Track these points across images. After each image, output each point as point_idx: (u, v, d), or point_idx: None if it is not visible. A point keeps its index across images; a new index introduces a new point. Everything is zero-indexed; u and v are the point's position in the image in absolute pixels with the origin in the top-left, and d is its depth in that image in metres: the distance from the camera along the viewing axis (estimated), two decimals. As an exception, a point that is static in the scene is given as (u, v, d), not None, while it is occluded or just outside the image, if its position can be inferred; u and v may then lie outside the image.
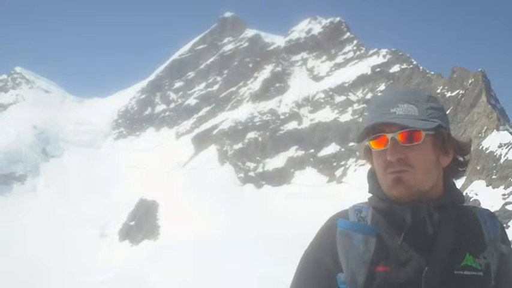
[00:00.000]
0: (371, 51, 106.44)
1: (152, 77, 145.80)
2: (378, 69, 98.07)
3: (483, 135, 55.81)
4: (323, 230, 2.06)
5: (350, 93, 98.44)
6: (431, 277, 1.82)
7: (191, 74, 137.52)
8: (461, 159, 2.01)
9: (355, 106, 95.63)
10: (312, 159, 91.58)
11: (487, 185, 46.52)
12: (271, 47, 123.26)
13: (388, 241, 1.91)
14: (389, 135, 1.88)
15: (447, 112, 2.17)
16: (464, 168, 2.04)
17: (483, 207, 2.16)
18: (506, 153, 48.60)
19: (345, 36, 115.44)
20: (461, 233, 1.92)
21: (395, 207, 1.92)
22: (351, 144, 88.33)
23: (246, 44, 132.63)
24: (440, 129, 1.92)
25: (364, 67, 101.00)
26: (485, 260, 1.89)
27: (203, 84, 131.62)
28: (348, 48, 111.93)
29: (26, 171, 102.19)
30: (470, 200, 37.87)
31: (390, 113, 1.89)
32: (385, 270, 1.87)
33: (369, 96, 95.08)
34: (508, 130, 55.75)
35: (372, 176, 2.07)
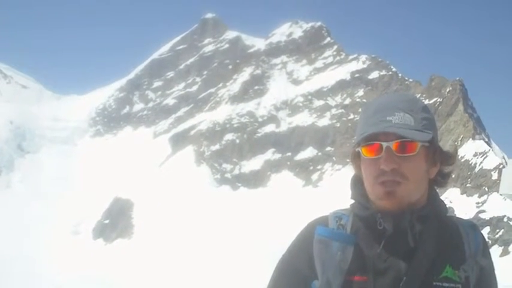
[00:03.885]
0: (351, 57, 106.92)
1: (131, 75, 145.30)
2: (357, 75, 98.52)
3: (459, 144, 56.20)
4: (301, 236, 2.04)
5: (329, 98, 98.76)
6: (410, 287, 1.80)
7: (170, 74, 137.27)
8: (445, 170, 2.00)
9: (333, 111, 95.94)
10: (288, 163, 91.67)
11: (462, 193, 46.92)
12: (252, 50, 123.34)
13: (366, 250, 1.89)
14: (384, 144, 1.83)
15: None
16: (447, 179, 2.02)
17: (460, 217, 2.13)
18: (481, 162, 49.03)
19: (326, 41, 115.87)
20: (442, 245, 1.89)
21: (377, 216, 1.89)
22: (328, 148, 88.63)
23: (227, 45, 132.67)
24: (433, 140, 1.90)
25: (343, 72, 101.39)
26: (465, 273, 1.87)
27: (182, 85, 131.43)
28: (328, 53, 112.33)
29: (0, 166, 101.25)
30: (445, 207, 38.29)
31: (386, 120, 1.84)
32: (362, 280, 1.84)
33: (347, 101, 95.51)
34: (483, 139, 56.30)
35: (356, 182, 2.03)
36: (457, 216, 2.14)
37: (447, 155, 1.98)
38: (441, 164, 1.97)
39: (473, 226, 2.03)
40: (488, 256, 1.99)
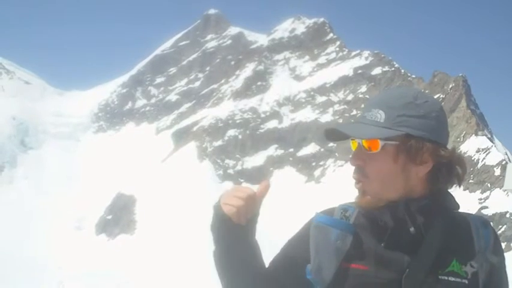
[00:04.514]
0: (353, 53, 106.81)
1: (134, 71, 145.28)
2: (360, 71, 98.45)
3: (462, 140, 56.24)
4: (304, 225, 2.07)
5: (331, 94, 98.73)
6: (413, 279, 1.78)
7: (173, 70, 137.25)
8: (443, 168, 1.90)
9: (336, 107, 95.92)
10: (291, 159, 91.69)
11: (464, 189, 46.92)
12: (254, 45, 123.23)
13: (368, 241, 1.88)
14: (357, 140, 1.87)
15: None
16: (453, 176, 1.93)
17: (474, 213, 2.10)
18: (484, 158, 49.10)
19: (328, 37, 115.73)
20: (449, 239, 1.86)
21: (375, 212, 1.88)
22: (331, 144, 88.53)
23: (229, 41, 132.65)
24: (409, 138, 1.82)
25: (346, 68, 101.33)
26: (472, 269, 1.83)
27: (185, 81, 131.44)
28: (330, 49, 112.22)
29: (3, 162, 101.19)
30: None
31: (363, 116, 1.89)
32: (363, 269, 1.84)
33: (350, 97, 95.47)
34: (486, 135, 56.31)
35: None
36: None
37: (439, 154, 1.87)
38: (435, 162, 1.88)
39: (484, 222, 1.99)
40: (499, 253, 1.95)
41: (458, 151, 1.95)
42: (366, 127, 1.85)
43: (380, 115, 1.84)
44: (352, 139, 1.90)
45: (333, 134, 1.95)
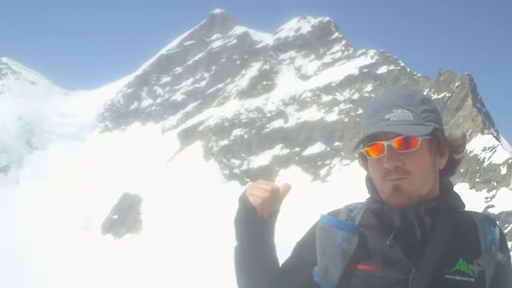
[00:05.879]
0: (359, 52, 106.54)
1: (139, 71, 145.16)
2: (366, 70, 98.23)
3: (468, 139, 56.04)
4: (311, 228, 2.10)
5: (337, 93, 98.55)
6: (419, 279, 1.79)
7: (178, 70, 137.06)
8: (455, 157, 2.01)
9: (342, 106, 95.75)
10: (297, 158, 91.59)
11: (470, 188, 46.94)
12: (260, 45, 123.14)
13: (374, 241, 1.90)
14: (385, 143, 1.84)
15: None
16: (456, 166, 2.04)
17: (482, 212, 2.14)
18: (490, 157, 49.04)
19: (334, 36, 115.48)
20: (456, 238, 1.87)
21: (385, 209, 1.90)
22: (336, 143, 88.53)
23: (235, 41, 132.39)
24: (435, 132, 1.89)
25: (351, 67, 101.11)
26: (479, 267, 1.84)
27: (190, 80, 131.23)
28: (336, 48, 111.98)
29: (9, 162, 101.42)
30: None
31: (384, 119, 1.86)
32: (369, 269, 1.86)
33: (355, 96, 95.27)
34: (492, 134, 56.24)
35: (369, 180, 2.04)
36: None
37: (455, 142, 1.98)
38: (450, 153, 1.98)
39: (491, 220, 2.01)
40: (506, 251, 1.96)
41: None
42: (401, 127, 1.83)
43: (407, 114, 1.86)
44: (375, 143, 1.87)
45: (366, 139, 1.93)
